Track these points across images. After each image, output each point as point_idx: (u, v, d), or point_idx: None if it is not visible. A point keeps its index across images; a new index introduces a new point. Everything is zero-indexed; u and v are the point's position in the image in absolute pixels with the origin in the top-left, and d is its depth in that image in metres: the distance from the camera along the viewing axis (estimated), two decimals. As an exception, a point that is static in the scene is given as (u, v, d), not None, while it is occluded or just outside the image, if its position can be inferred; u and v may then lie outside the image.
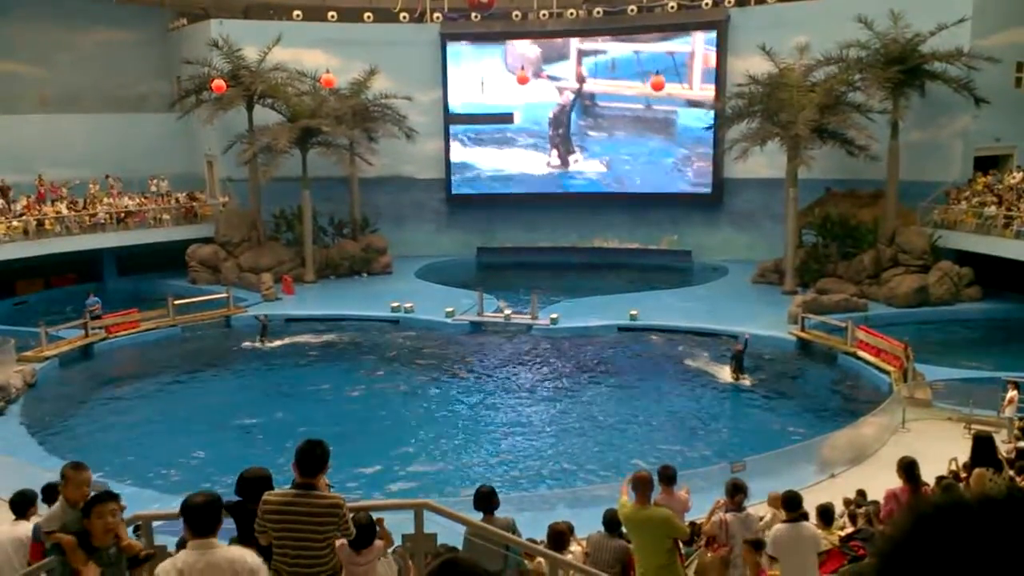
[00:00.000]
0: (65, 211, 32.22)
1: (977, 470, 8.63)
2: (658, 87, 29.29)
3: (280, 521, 4.93)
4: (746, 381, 22.64)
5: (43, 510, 7.66)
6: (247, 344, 27.02)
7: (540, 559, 7.52)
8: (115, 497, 4.97)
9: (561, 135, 38.04)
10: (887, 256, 28.72)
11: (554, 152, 38.25)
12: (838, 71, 29.22)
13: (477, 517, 7.33)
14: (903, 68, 27.89)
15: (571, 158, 38.16)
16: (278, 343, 27.15)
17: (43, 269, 32.83)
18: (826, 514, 9.40)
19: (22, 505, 7.09)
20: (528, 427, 20.62)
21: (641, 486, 7.33)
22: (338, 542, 5.96)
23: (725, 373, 23.20)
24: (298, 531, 4.91)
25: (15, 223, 30.57)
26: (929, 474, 9.34)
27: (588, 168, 38.11)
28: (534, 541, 8.11)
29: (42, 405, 22.09)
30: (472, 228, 38.34)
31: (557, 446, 19.42)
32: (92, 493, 5.23)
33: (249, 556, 4.39)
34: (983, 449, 9.13)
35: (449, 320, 28.07)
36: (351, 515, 5.09)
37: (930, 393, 19.63)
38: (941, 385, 19.97)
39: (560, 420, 21.05)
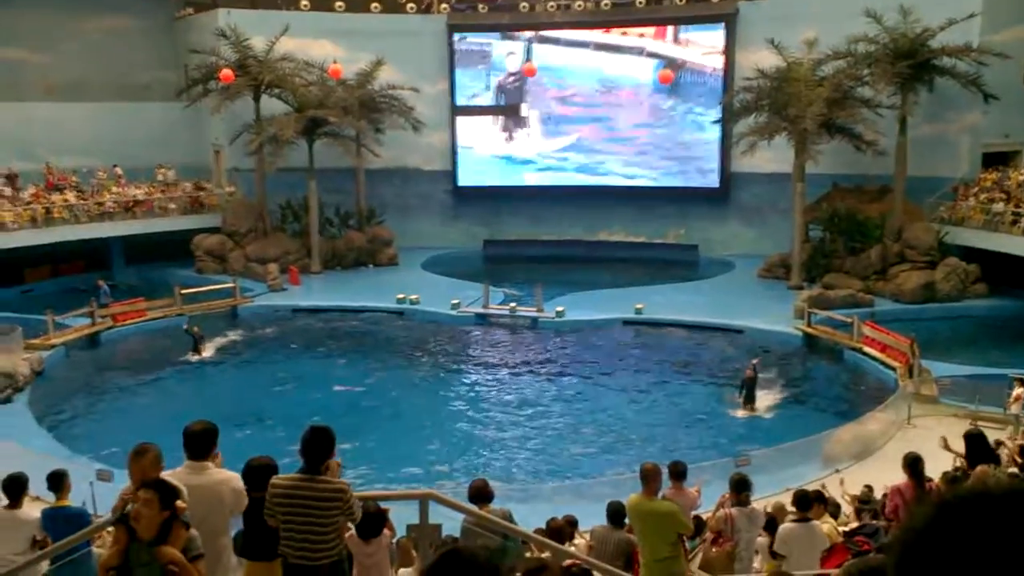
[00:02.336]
0: (73, 199, 32.30)
1: (979, 467, 8.62)
2: (666, 80, 29.17)
3: (286, 505, 5.00)
4: (754, 412, 20.45)
5: (49, 498, 7.69)
6: (190, 358, 25.03)
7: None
8: (158, 487, 4.61)
9: (508, 102, 37.70)
10: (894, 252, 28.62)
11: (499, 123, 38.01)
12: (846, 66, 29.10)
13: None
14: (912, 63, 27.76)
15: (521, 132, 37.89)
16: (213, 352, 25.55)
17: (51, 257, 32.92)
18: (820, 497, 9.38)
19: (14, 490, 7.04)
20: (532, 419, 20.64)
21: (648, 478, 7.35)
22: (347, 532, 6.00)
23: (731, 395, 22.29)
24: (303, 515, 4.97)
25: (23, 211, 30.66)
26: (934, 470, 9.33)
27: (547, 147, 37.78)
28: (541, 532, 8.12)
29: (49, 393, 22.18)
30: (478, 220, 38.30)
31: (561, 438, 19.45)
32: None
33: (237, 479, 5.13)
34: (977, 446, 9.11)
35: (454, 312, 28.08)
36: (358, 501, 5.11)
37: (936, 389, 19.61)
38: (947, 381, 19.95)
39: (564, 412, 21.07)
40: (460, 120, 37.68)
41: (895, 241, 28.76)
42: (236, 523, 5.86)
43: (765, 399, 21.05)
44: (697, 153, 36.27)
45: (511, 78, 37.31)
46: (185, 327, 25.87)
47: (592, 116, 37.22)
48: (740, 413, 20.49)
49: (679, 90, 35.55)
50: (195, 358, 24.95)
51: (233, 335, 27.56)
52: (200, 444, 5.13)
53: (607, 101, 36.86)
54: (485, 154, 38.25)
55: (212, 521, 5.03)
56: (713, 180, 36.11)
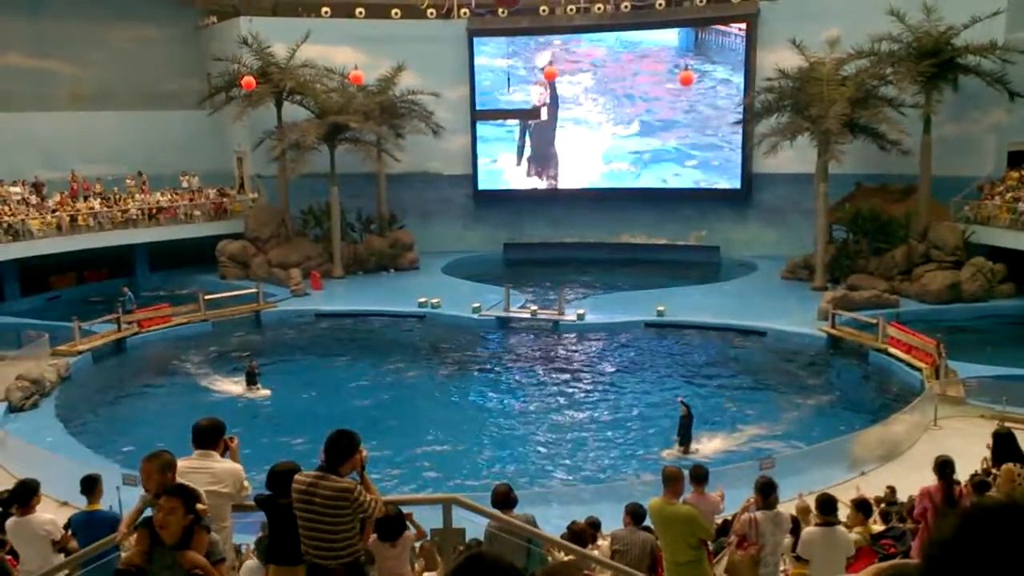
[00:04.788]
0: (98, 207, 32.66)
1: (1005, 466, 8.53)
2: (687, 82, 29.05)
3: (301, 502, 5.12)
4: (688, 454, 17.75)
5: (80, 502, 7.77)
6: (239, 396, 22.58)
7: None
8: (179, 494, 4.70)
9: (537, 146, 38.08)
10: (919, 252, 28.36)
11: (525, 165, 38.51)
12: (869, 65, 28.90)
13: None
14: (936, 62, 27.51)
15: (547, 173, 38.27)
16: (265, 393, 22.67)
17: (76, 264, 33.29)
18: (864, 506, 9.28)
19: (24, 495, 7.13)
20: (553, 422, 20.60)
21: (669, 481, 7.33)
22: (370, 537, 6.04)
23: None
24: (314, 512, 5.08)
25: (49, 218, 31.04)
26: (962, 472, 9.22)
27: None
28: (566, 536, 8.11)
29: (75, 398, 22.39)
30: (499, 224, 38.35)
31: (581, 441, 19.39)
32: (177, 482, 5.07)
33: (240, 469, 5.66)
34: (1005, 445, 9.04)
35: (475, 316, 28.11)
36: (366, 499, 5.14)
37: (963, 390, 19.39)
38: (974, 382, 19.72)
39: (586, 415, 21.01)
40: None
41: (920, 241, 28.50)
42: (251, 526, 5.94)
43: (717, 441, 18.84)
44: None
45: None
46: (247, 359, 23.95)
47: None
48: (666, 453, 18.05)
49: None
50: (248, 394, 22.57)
51: (256, 340, 27.76)
52: (206, 437, 5.69)
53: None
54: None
55: (214, 506, 5.27)
56: (735, 177, 35.96)
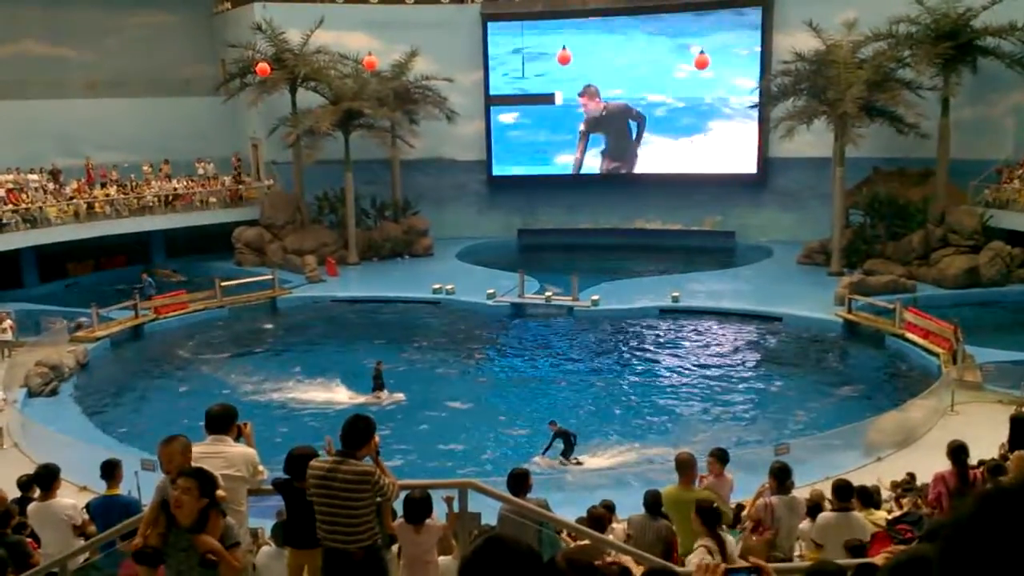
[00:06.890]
0: (114, 194, 32.85)
1: (1017, 452, 8.50)
2: (702, 65, 28.82)
3: (318, 487, 5.16)
4: (565, 464, 17.14)
5: (99, 487, 7.85)
6: (371, 399, 20.68)
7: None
8: (195, 475, 4.78)
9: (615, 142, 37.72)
10: (936, 236, 28.14)
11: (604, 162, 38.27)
12: (887, 47, 28.61)
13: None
14: (954, 44, 27.20)
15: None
16: (399, 398, 20.96)
17: (93, 251, 33.51)
18: (865, 494, 9.27)
19: (47, 479, 7.24)
20: (568, 409, 20.62)
21: (683, 468, 7.32)
22: (396, 522, 6.08)
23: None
24: (332, 497, 5.11)
25: (66, 206, 31.25)
26: (978, 457, 9.19)
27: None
28: (582, 521, 8.13)
29: (94, 385, 22.60)
30: (513, 209, 38.30)
31: (597, 428, 19.41)
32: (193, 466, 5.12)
33: (253, 454, 5.73)
34: (1021, 431, 9.00)
35: (490, 302, 28.12)
36: (384, 482, 5.18)
37: (980, 375, 19.27)
38: (991, 367, 19.60)
39: (600, 402, 21.03)
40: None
41: (938, 225, 28.27)
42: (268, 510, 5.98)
43: (730, 426, 18.60)
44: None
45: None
46: (376, 362, 21.64)
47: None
48: (540, 460, 17.18)
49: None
50: (376, 401, 20.65)
51: (272, 326, 27.92)
52: (219, 422, 5.75)
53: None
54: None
55: (228, 489, 5.31)
56: (751, 161, 35.74)
